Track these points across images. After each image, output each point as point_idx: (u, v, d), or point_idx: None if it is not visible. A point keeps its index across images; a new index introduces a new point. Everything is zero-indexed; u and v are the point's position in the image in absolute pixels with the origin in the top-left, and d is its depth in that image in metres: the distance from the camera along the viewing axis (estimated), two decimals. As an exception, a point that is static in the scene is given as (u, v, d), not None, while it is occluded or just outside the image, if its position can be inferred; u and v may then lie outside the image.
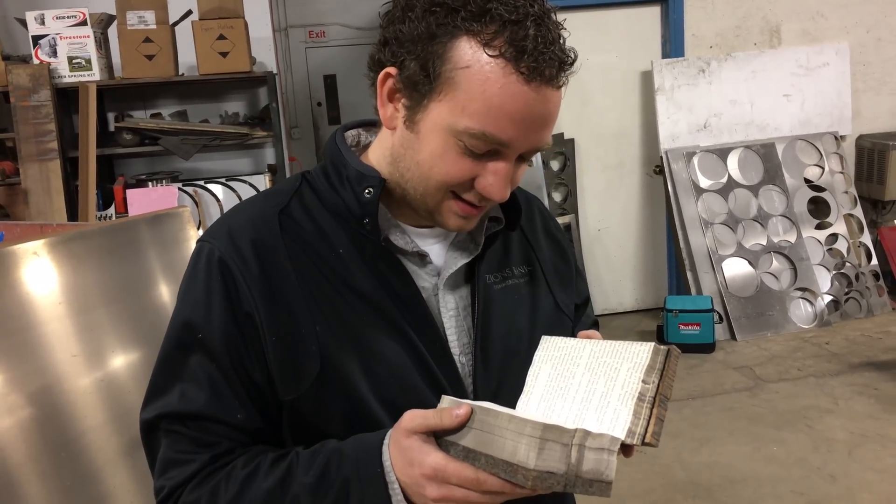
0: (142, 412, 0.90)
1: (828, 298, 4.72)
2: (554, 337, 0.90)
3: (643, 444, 0.75)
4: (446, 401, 0.79)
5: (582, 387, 0.82)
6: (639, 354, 0.80)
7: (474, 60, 0.79)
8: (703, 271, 4.66)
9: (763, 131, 4.90)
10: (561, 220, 4.84)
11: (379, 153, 0.93)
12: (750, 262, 4.70)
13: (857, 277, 4.79)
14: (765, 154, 4.87)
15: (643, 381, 0.78)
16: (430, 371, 0.90)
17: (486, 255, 0.97)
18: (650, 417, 0.76)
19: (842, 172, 4.94)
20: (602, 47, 4.83)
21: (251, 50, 4.28)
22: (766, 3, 4.90)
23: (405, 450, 0.77)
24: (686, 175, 4.76)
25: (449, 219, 0.89)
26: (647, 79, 4.84)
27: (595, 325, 1.19)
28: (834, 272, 4.77)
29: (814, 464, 3.16)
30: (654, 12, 4.87)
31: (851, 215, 4.91)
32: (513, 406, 0.87)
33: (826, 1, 4.95)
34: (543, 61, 0.79)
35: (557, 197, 4.91)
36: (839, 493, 2.94)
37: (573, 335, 1.02)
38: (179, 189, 4.30)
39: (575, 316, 1.10)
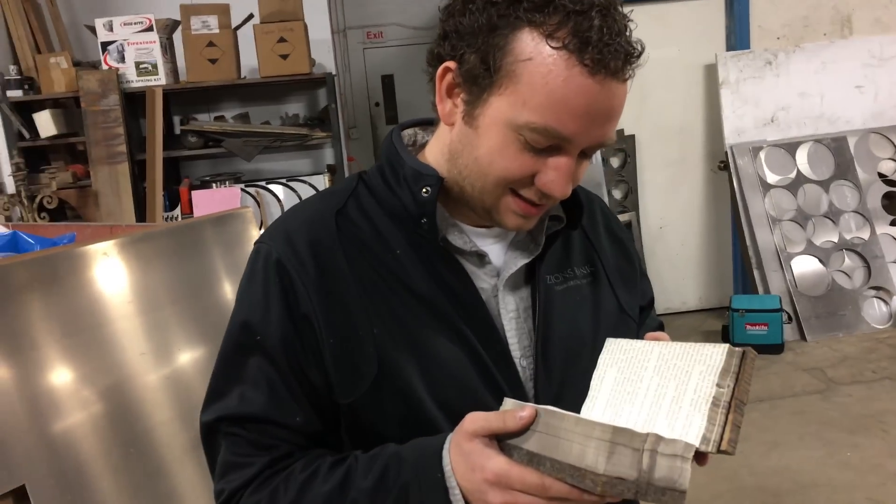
0: (202, 414, 0.90)
1: (904, 298, 4.52)
2: (619, 339, 0.86)
3: (718, 451, 0.71)
4: (509, 403, 0.77)
5: (651, 391, 0.79)
6: (712, 356, 0.76)
7: (536, 52, 0.76)
8: (770, 270, 4.52)
9: (834, 125, 4.72)
10: (621, 218, 4.75)
11: (436, 151, 0.91)
12: (820, 260, 4.54)
13: (935, 276, 4.58)
14: (836, 148, 4.69)
15: (717, 385, 0.74)
16: (489, 374, 0.88)
17: (546, 256, 0.94)
18: (725, 424, 0.72)
19: (918, 166, 4.73)
20: (663, 41, 4.72)
21: (310, 52, 4.32)
22: (836, -9, 4.72)
23: (467, 454, 0.75)
24: (752, 170, 4.62)
25: (508, 217, 0.87)
26: (710, 72, 4.72)
27: (660, 327, 1.15)
28: (911, 270, 4.56)
29: (891, 470, 3.03)
30: (718, 4, 4.75)
31: (929, 211, 4.69)
32: (577, 411, 0.84)
33: (900, -12, 4.74)
34: (609, 53, 0.76)
35: (618, 194, 4.83)
36: (918, 502, 2.81)
37: (639, 338, 0.99)
38: (242, 190, 4.38)
39: (640, 318, 1.07)
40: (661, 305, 4.90)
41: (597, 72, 0.76)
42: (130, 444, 1.73)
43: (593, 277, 1.00)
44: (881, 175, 4.69)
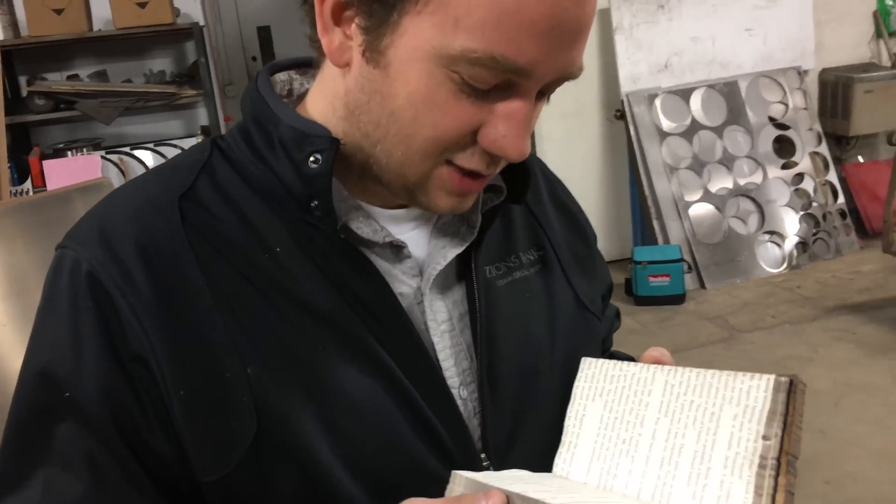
0: None
1: (796, 240, 4.57)
2: (599, 360, 0.62)
3: None
4: (460, 482, 0.52)
5: (659, 441, 0.55)
6: (748, 394, 0.53)
7: None
8: (669, 219, 4.46)
9: (725, 69, 4.67)
10: (520, 173, 4.58)
11: (324, 104, 0.63)
12: (717, 207, 4.52)
13: (824, 217, 4.66)
14: (728, 93, 4.65)
15: (763, 437, 0.51)
16: (420, 416, 0.61)
17: (484, 241, 0.68)
18: (775, 491, 0.50)
19: (806, 109, 4.77)
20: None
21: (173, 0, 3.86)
22: (724, -68, 4.63)
23: None
24: (648, 119, 4.52)
25: (438, 198, 0.61)
26: (604, 17, 4.56)
27: (617, 317, 0.92)
28: (801, 213, 4.62)
29: (801, 418, 3.01)
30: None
31: (816, 153, 4.75)
32: (543, 462, 0.60)
33: (786, -72, 4.70)
34: None
35: (515, 148, 4.65)
36: (830, 449, 2.79)
37: (606, 342, 0.76)
38: (103, 157, 3.90)
39: (601, 312, 0.82)
40: (562, 260, 4.79)
41: None
42: None
43: (543, 264, 0.74)
44: (771, 119, 4.70)
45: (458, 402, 0.65)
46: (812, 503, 2.54)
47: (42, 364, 0.58)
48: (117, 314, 0.57)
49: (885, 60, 5.03)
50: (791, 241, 4.56)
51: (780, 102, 4.73)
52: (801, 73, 4.77)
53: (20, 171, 4.04)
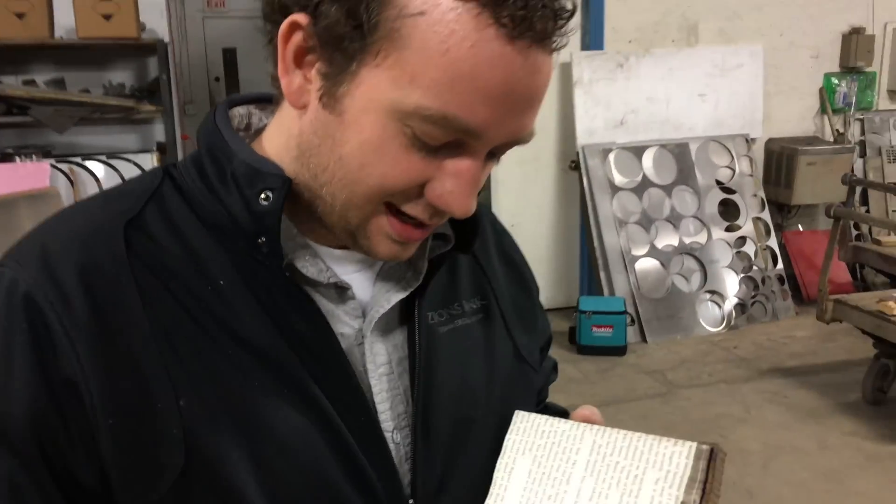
0: None
1: (735, 301, 4.70)
2: (532, 414, 0.64)
3: None
4: None
5: (583, 500, 0.57)
6: (671, 459, 0.55)
7: (432, 4, 0.53)
8: (616, 271, 4.55)
9: (678, 130, 4.83)
10: (473, 214, 4.62)
11: (279, 142, 0.64)
12: (662, 264, 4.63)
13: (763, 281, 4.80)
14: (679, 154, 4.80)
15: (682, 503, 0.54)
16: (351, 458, 0.62)
17: (428, 287, 0.70)
18: None
19: (751, 175, 4.94)
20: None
21: (139, 14, 3.84)
22: None
23: None
24: (602, 172, 4.63)
25: (379, 243, 0.62)
26: (565, 71, 4.68)
27: (554, 370, 0.94)
28: (742, 275, 4.76)
29: (729, 478, 3.07)
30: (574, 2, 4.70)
31: (759, 218, 4.91)
32: None
33: (743, 1, 4.92)
34: (534, 10, 0.53)
35: (470, 190, 4.70)
36: (757, 509, 2.85)
37: (541, 393, 0.78)
38: (52, 166, 3.82)
39: (539, 364, 0.84)
40: (508, 304, 4.82)
41: (518, 36, 0.54)
42: None
43: (485, 314, 0.76)
44: (718, 182, 4.86)
45: (391, 445, 0.66)
46: (735, 562, 2.58)
47: None
48: (51, 337, 0.57)
49: (828, 135, 5.26)
50: (731, 302, 4.68)
51: (727, 167, 4.89)
52: (749, 141, 4.95)
53: (-37, 173, 3.93)
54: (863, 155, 5.33)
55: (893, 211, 5.26)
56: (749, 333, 4.58)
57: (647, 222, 4.66)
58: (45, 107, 3.87)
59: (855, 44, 5.13)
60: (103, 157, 3.99)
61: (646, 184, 4.70)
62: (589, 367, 4.18)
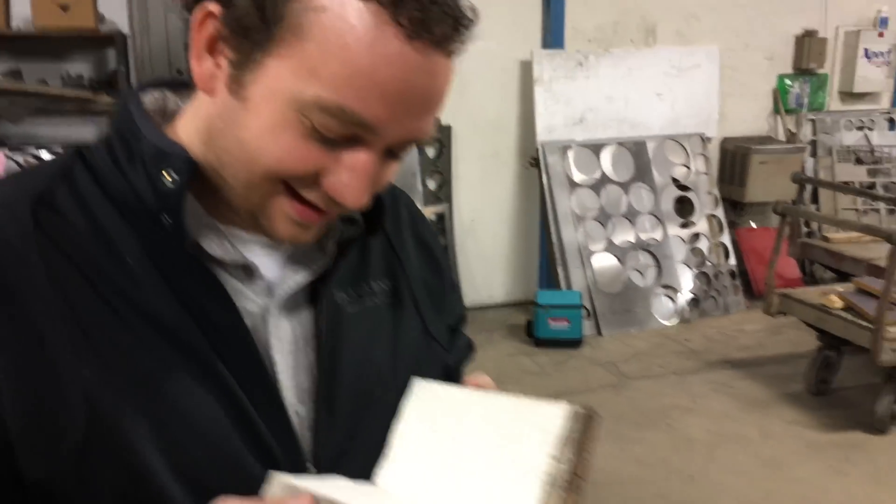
0: None
1: (688, 296, 4.82)
2: (428, 382, 0.69)
3: None
4: (276, 483, 0.58)
5: (468, 458, 0.62)
6: (549, 420, 0.60)
7: (334, 0, 0.57)
8: (573, 266, 4.64)
9: (635, 129, 4.92)
10: (435, 210, 4.68)
11: (191, 126, 0.68)
12: (618, 259, 4.73)
13: (715, 276, 4.92)
14: (636, 151, 4.90)
15: (555, 458, 0.59)
16: (253, 429, 0.66)
17: (336, 267, 0.74)
18: None
19: (706, 173, 5.06)
20: (483, 33, 4.67)
21: (97, 5, 3.82)
22: (644, 0, 4.92)
23: None
24: (561, 169, 4.71)
25: (279, 224, 0.66)
26: (526, 69, 4.75)
27: (470, 348, 0.99)
28: (695, 270, 4.88)
29: (674, 465, 3.17)
30: (535, 1, 4.77)
31: (713, 215, 5.03)
32: (369, 474, 0.67)
33: (700, 3, 5.03)
34: (433, 13, 0.57)
35: (432, 185, 4.75)
36: (700, 496, 2.95)
37: (451, 370, 0.83)
38: (6, 156, 3.79)
39: (449, 342, 0.89)
40: (469, 299, 4.88)
41: (416, 36, 0.57)
42: None
43: (394, 295, 0.80)
44: (674, 179, 4.97)
45: (295, 418, 0.69)
46: (676, 546, 2.67)
47: None
48: None
49: (781, 135, 5.41)
50: (684, 297, 4.80)
51: (683, 165, 5.00)
52: (705, 140, 5.07)
53: (-83, 163, 3.88)
54: (814, 154, 5.48)
55: (843, 209, 5.42)
56: (700, 327, 4.70)
57: (604, 218, 4.76)
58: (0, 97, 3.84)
59: (808, 46, 5.27)
60: (59, 149, 3.97)
61: (604, 181, 4.80)
62: (545, 359, 4.26)
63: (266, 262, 0.71)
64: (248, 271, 0.70)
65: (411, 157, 4.47)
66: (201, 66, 0.63)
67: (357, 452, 0.70)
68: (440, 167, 4.77)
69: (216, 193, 0.67)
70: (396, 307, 0.80)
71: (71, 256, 0.63)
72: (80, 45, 4.25)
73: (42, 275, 0.62)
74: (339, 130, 0.60)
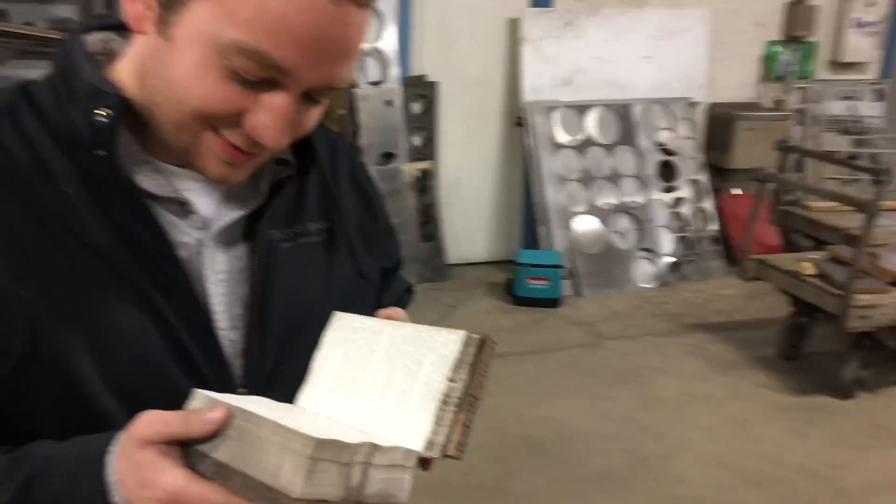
0: None
1: (669, 260, 4.88)
2: (348, 314, 0.74)
3: (445, 456, 0.62)
4: (199, 398, 0.62)
5: (377, 381, 0.68)
6: (446, 345, 0.66)
7: None
8: (555, 227, 4.68)
9: (622, 91, 4.93)
10: (420, 167, 4.69)
11: (129, 66, 0.71)
12: (600, 220, 4.77)
13: (697, 241, 4.98)
14: (622, 114, 4.91)
15: (449, 380, 0.64)
16: (183, 351, 0.72)
17: (271, 206, 0.78)
18: (455, 424, 0.63)
19: (692, 138, 5.08)
20: (472, -11, 4.66)
21: (83, -52, 3.78)
22: (636, -39, 4.89)
23: (137, 465, 0.59)
24: (546, 129, 4.72)
25: (210, 163, 0.70)
26: (514, 27, 4.73)
27: (408, 292, 1.04)
28: (677, 234, 4.93)
29: (643, 422, 3.25)
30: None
31: (697, 181, 5.07)
32: (293, 399, 0.72)
33: (692, -34, 5.00)
34: None
35: (417, 141, 4.76)
36: (664, 452, 3.04)
37: (379, 306, 0.88)
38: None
39: (383, 283, 0.95)
40: (452, 256, 4.93)
41: None
42: None
43: (329, 235, 0.85)
44: (659, 144, 4.99)
45: (226, 343, 0.75)
46: (637, 498, 2.77)
47: None
48: None
49: (768, 102, 5.42)
50: (664, 260, 4.86)
51: (668, 129, 5.02)
52: (692, 105, 5.08)
53: None
54: (801, 123, 5.50)
55: (827, 178, 5.46)
56: (680, 291, 4.77)
57: (587, 180, 4.79)
58: (-17, 38, 3.81)
59: (798, 14, 5.26)
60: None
61: (588, 143, 4.81)
62: (523, 317, 4.33)
63: (203, 201, 0.75)
64: (184, 207, 0.74)
65: (396, 112, 4.47)
66: (132, 7, 0.66)
67: (286, 379, 0.75)
68: (426, 124, 4.77)
69: (149, 130, 0.71)
70: (331, 246, 0.85)
71: (11, 186, 0.67)
72: (66, -12, 4.21)
73: None
74: (257, 73, 0.63)
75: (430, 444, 0.62)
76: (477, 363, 0.64)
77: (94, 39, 0.75)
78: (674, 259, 4.89)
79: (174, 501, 0.58)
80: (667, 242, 4.89)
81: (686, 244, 4.95)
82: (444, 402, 0.63)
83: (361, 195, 0.92)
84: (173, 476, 0.58)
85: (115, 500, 0.61)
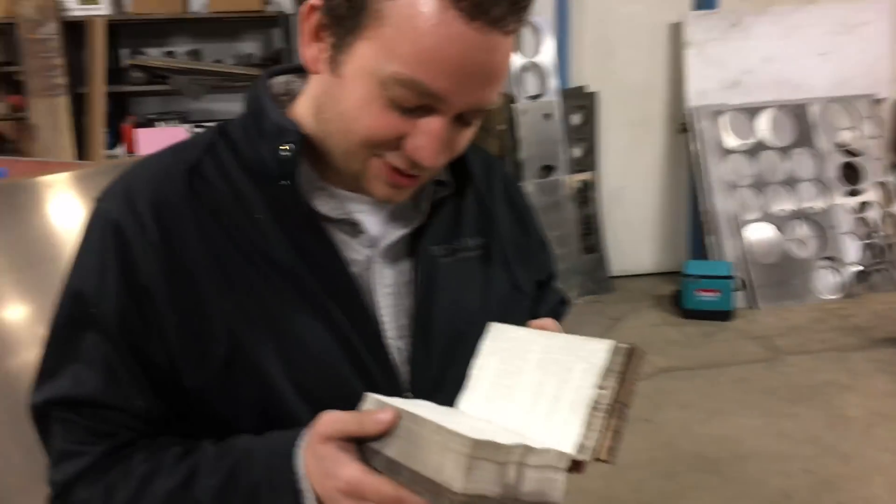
0: (32, 395, 0.79)
1: (855, 269, 4.53)
2: (503, 325, 0.79)
3: (596, 460, 0.64)
4: (370, 400, 0.69)
5: (531, 387, 0.71)
6: (595, 353, 0.68)
7: None
8: (725, 236, 4.49)
9: (796, 91, 4.65)
10: (580, 178, 4.67)
11: (307, 104, 0.80)
12: (776, 228, 4.52)
13: (888, 248, 4.59)
14: (797, 115, 4.64)
15: (599, 387, 0.66)
16: (358, 359, 0.79)
17: (432, 224, 0.85)
18: (605, 430, 0.65)
19: (877, 138, 4.70)
20: (631, -3, 4.59)
21: (264, -12, 4.13)
22: (809, -46, 4.61)
23: (320, 459, 0.67)
24: (713, 134, 4.55)
25: (376, 186, 0.77)
26: (676, 32, 4.61)
27: (563, 303, 1.09)
28: (863, 242, 4.57)
29: (827, 442, 3.04)
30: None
31: (885, 183, 4.68)
32: (454, 404, 0.77)
33: (872, -45, 4.64)
34: None
35: (577, 153, 4.74)
36: (851, 474, 2.82)
37: (534, 317, 0.92)
38: (188, 131, 4.20)
39: (537, 295, 1.00)
40: (616, 268, 4.86)
41: (475, 17, 0.66)
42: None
43: (486, 250, 0.91)
44: (840, 145, 4.66)
45: (394, 351, 0.82)
46: (821, 523, 2.59)
47: (76, 286, 0.78)
48: (132, 254, 0.76)
49: (969, 94, 4.91)
50: (850, 269, 4.52)
51: (850, 129, 4.68)
52: (876, 102, 4.70)
53: (115, 137, 4.38)
54: None
55: None
56: (868, 302, 4.41)
57: (760, 186, 4.56)
58: (182, 76, 4.24)
59: None
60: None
61: (760, 146, 4.58)
62: (692, 330, 4.18)
63: (371, 220, 0.83)
64: (354, 227, 0.82)
65: (555, 125, 4.48)
66: (309, 51, 0.75)
67: (449, 384, 0.80)
68: (585, 135, 4.74)
69: (325, 160, 0.80)
70: (487, 261, 0.91)
71: (214, 214, 0.78)
72: (249, 26, 4.59)
73: (193, 228, 0.77)
74: (414, 101, 0.70)
75: (581, 448, 0.64)
76: (626, 371, 0.66)
77: (279, 82, 0.86)
78: (860, 268, 4.53)
79: (353, 491, 0.64)
80: (852, 250, 4.55)
81: (874, 251, 4.58)
82: (594, 409, 0.65)
83: (515, 212, 0.98)
84: (352, 469, 0.64)
85: (304, 487, 0.68)
